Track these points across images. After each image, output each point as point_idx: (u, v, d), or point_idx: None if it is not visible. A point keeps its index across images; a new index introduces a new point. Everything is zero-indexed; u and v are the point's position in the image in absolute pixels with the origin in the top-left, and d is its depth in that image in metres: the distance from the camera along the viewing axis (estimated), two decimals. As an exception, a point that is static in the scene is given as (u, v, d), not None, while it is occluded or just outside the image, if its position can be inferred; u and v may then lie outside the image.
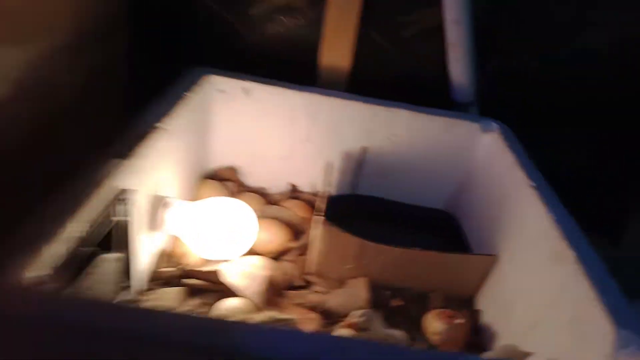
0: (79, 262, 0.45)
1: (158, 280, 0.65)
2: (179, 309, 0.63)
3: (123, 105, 0.74)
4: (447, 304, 0.69)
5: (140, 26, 0.81)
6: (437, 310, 0.65)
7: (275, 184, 0.87)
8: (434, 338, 0.63)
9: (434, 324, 0.63)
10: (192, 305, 0.63)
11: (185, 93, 0.70)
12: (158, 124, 0.61)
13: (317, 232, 0.66)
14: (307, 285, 0.71)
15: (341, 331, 0.55)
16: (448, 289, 0.69)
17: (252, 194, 0.84)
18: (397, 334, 0.57)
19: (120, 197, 0.52)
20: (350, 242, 0.66)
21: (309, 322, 0.62)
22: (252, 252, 0.75)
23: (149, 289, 0.64)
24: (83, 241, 0.44)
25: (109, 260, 0.50)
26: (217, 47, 0.86)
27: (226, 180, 0.86)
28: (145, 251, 0.63)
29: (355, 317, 0.54)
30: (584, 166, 0.91)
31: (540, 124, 0.86)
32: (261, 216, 0.80)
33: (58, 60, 0.61)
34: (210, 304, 0.64)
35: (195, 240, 0.64)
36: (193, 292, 0.65)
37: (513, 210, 0.65)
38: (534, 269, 0.57)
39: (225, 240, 0.64)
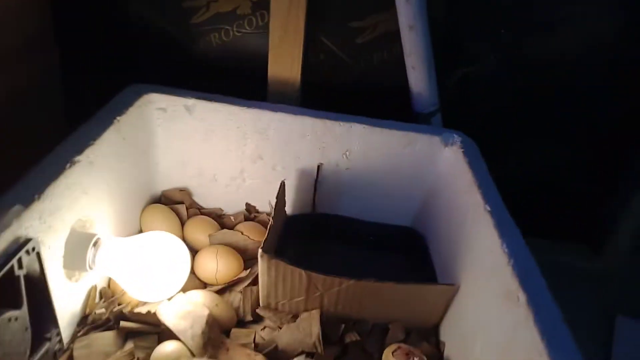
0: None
1: (91, 324, 0.60)
2: (114, 355, 0.58)
3: (57, 132, 0.68)
4: (408, 335, 0.64)
5: (71, 44, 0.75)
6: (395, 346, 0.60)
7: (230, 205, 0.81)
8: (392, 377, 0.58)
9: (391, 362, 0.58)
10: (127, 351, 0.58)
11: (116, 117, 0.65)
12: (77, 157, 0.56)
13: (262, 266, 0.61)
14: (257, 320, 0.66)
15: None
16: (408, 320, 0.64)
17: (204, 217, 0.79)
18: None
19: (28, 248, 0.47)
20: (297, 275, 0.60)
21: (252, 367, 0.57)
22: (198, 285, 0.70)
23: (82, 334, 0.59)
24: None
25: (14, 317, 0.45)
26: (158, 61, 0.80)
27: (177, 203, 0.80)
28: (71, 296, 0.58)
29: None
30: (560, 174, 0.86)
31: (510, 132, 0.81)
32: (212, 243, 0.75)
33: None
34: (148, 348, 0.59)
35: (127, 280, 0.59)
36: (130, 335, 0.61)
37: (470, 235, 0.59)
38: (490, 305, 0.51)
39: (154, 280, 0.59)
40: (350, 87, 0.81)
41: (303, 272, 0.60)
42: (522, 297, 0.44)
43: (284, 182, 0.72)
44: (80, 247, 0.57)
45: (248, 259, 0.74)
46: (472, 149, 0.68)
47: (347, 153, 0.73)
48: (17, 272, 0.45)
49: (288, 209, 0.79)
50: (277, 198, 0.70)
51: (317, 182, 0.77)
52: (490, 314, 0.51)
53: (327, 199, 0.78)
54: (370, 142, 0.72)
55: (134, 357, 0.58)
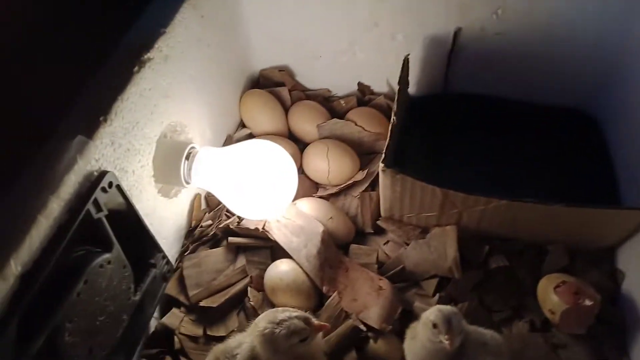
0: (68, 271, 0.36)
1: (198, 239, 0.55)
2: (225, 272, 0.53)
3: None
4: (573, 261, 0.50)
5: None
6: (558, 279, 0.47)
7: (339, 85, 0.68)
8: (551, 316, 0.47)
9: (553, 299, 0.46)
10: (239, 268, 0.53)
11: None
12: (147, 55, 0.44)
13: (384, 180, 0.48)
14: (378, 232, 0.56)
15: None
16: (574, 242, 0.50)
17: (309, 102, 0.66)
18: (490, 335, 0.41)
19: (103, 184, 0.39)
20: (429, 191, 0.47)
21: (376, 297, 0.49)
22: (308, 187, 0.60)
23: (190, 252, 0.54)
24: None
25: (106, 261, 0.40)
26: None
27: (278, 85, 0.68)
28: (173, 211, 0.52)
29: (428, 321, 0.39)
30: None
31: None
32: (320, 135, 0.63)
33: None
34: (262, 264, 0.53)
35: (228, 197, 0.51)
36: (239, 250, 0.55)
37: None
38: None
39: (258, 197, 0.49)
40: None
41: (437, 189, 0.47)
42: None
43: (407, 58, 0.55)
44: (172, 161, 0.48)
45: (364, 154, 0.62)
46: None
47: (500, 11, 0.52)
48: (96, 215, 0.38)
49: (412, 89, 0.62)
50: (399, 81, 0.53)
51: (452, 53, 0.58)
52: None
53: (465, 75, 0.61)
54: (535, -6, 0.50)
55: (246, 275, 0.53)
